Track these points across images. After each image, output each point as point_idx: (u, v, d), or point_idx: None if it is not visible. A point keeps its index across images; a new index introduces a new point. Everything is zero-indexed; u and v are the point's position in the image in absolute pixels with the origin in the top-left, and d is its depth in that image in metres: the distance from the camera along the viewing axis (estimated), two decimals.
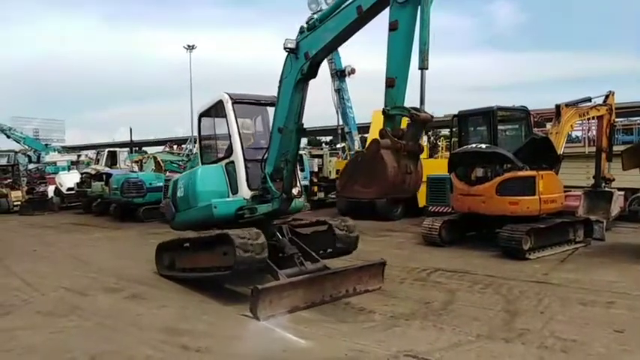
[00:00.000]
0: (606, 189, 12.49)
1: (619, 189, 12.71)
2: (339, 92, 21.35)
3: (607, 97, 12.49)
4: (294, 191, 7.03)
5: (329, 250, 7.55)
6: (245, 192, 7.07)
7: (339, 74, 20.71)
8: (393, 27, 5.00)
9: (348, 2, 5.53)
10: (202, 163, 8.10)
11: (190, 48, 57.81)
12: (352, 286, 6.72)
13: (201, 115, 8.17)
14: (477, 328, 5.37)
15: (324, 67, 20.16)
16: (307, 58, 6.11)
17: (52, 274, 8.59)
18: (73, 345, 5.13)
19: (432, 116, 5.21)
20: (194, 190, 7.59)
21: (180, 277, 7.67)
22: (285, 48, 6.25)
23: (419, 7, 4.85)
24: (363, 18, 5.48)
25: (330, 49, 6.07)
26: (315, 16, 6.05)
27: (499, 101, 12.21)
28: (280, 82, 6.53)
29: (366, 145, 5.74)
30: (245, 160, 7.13)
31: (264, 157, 6.82)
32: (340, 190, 5.94)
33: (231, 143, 7.27)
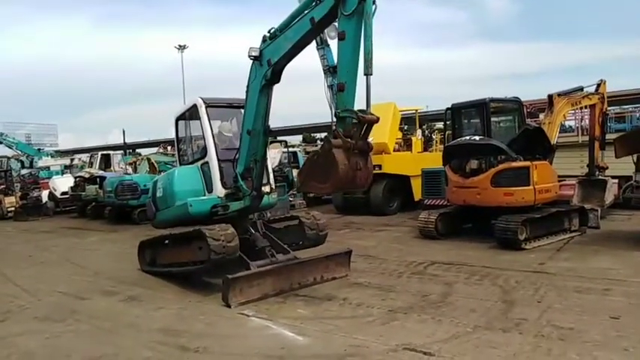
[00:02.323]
0: (600, 177, 12.52)
1: (613, 177, 12.75)
2: (332, 88, 21.31)
3: (598, 85, 12.51)
4: (266, 189, 7.45)
5: (300, 243, 7.92)
6: (219, 191, 7.36)
7: (332, 70, 20.68)
8: (341, 37, 5.36)
9: (303, 14, 6.00)
10: (180, 164, 8.46)
11: (182, 48, 57.72)
12: (320, 275, 7.14)
13: (178, 119, 8.44)
14: (474, 320, 5.40)
15: (317, 65, 20.14)
16: (270, 65, 6.45)
17: (48, 279, 8.55)
18: (70, 349, 5.11)
19: (377, 117, 5.50)
20: (171, 190, 7.88)
21: (162, 272, 8.04)
22: (249, 56, 6.62)
23: (363, 19, 5.17)
24: (316, 28, 5.96)
25: (291, 56, 6.39)
26: (276, 26, 6.42)
27: (491, 92, 12.22)
28: (247, 87, 6.90)
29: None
30: (219, 160, 7.43)
31: (236, 158, 7.13)
32: (300, 186, 6.34)
33: (205, 145, 7.57)
